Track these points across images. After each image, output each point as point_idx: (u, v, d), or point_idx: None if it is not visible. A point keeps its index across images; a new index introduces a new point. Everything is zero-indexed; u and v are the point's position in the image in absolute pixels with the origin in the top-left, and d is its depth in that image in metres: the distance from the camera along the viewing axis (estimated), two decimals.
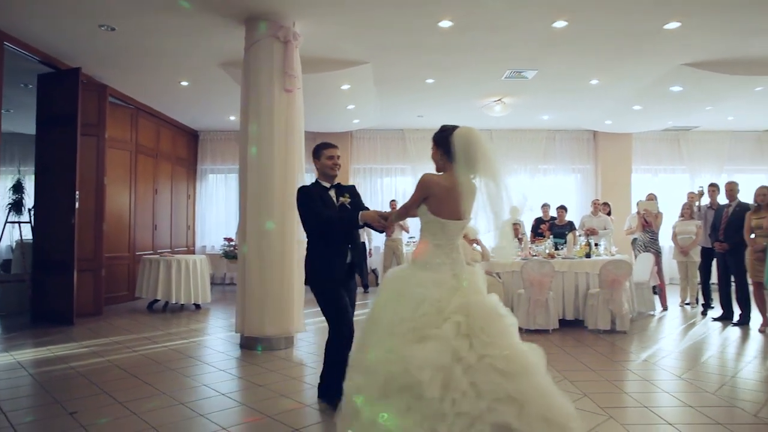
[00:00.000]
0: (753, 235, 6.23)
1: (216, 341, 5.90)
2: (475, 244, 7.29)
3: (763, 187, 6.25)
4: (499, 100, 8.98)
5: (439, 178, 2.86)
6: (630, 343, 5.80)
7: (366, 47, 6.57)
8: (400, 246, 10.00)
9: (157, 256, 7.95)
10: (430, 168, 3.00)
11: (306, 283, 3.86)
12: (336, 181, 3.79)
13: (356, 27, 5.95)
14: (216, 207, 11.82)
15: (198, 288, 7.94)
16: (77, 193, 6.76)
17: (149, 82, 8.04)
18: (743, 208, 6.66)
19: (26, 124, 9.58)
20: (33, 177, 10.44)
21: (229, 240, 10.64)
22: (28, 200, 9.89)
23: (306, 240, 3.72)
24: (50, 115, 6.95)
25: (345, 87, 7.95)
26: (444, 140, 2.84)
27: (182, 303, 7.82)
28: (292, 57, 5.55)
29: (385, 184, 11.83)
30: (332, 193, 3.72)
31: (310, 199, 3.61)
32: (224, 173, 11.92)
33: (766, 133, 11.50)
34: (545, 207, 9.20)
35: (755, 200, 6.27)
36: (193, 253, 11.03)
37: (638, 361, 5.06)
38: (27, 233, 8.56)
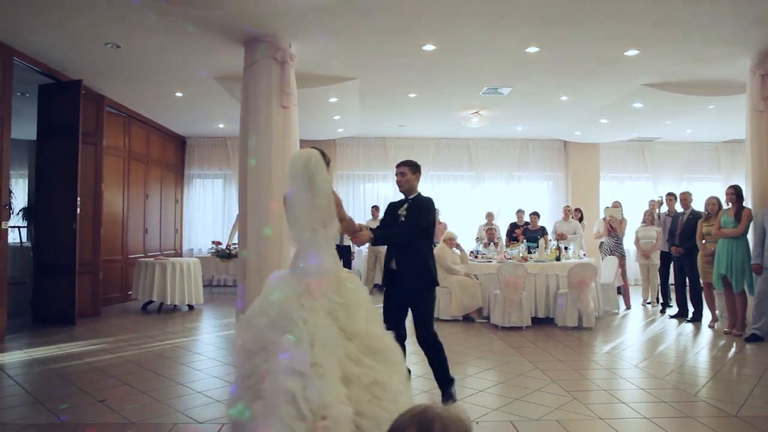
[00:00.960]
0: (704, 241, 6.89)
1: (215, 339, 6.30)
2: (454, 248, 7.85)
3: (712, 197, 6.86)
4: (477, 112, 9.57)
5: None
6: (595, 338, 6.42)
7: (355, 66, 7.06)
8: (382, 250, 10.47)
9: (152, 259, 8.27)
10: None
11: None
12: (407, 195, 4.01)
13: (347, 49, 6.44)
14: (203, 211, 12.15)
15: (191, 290, 8.29)
16: (78, 199, 7.08)
17: (145, 93, 8.37)
18: (696, 216, 7.31)
19: (17, 130, 9.79)
20: (21, 181, 10.68)
21: (217, 243, 10.99)
22: (17, 204, 10.10)
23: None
24: (51, 124, 7.25)
25: (333, 100, 8.43)
26: None
27: (176, 304, 8.16)
28: (288, 76, 6.02)
29: (367, 190, 12.31)
30: (404, 206, 3.97)
31: (385, 213, 4.13)
32: (210, 178, 12.26)
33: (723, 145, 12.35)
34: (519, 213, 9.79)
35: (705, 209, 6.87)
36: (181, 255, 11.33)
37: (601, 353, 5.67)
38: (16, 236, 8.75)
